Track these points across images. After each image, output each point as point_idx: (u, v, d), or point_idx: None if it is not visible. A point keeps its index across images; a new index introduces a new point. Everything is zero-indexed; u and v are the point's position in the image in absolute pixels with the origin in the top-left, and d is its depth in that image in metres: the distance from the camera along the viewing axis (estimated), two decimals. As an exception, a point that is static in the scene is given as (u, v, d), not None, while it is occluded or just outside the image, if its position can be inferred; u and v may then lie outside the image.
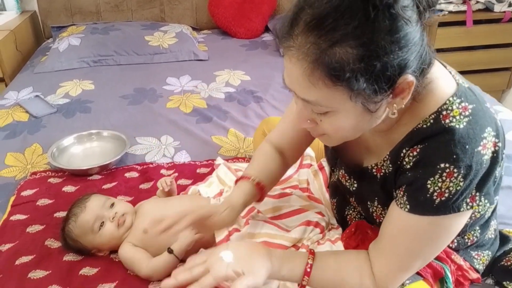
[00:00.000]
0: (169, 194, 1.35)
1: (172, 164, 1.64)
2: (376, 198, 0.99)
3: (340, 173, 1.09)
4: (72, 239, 1.21)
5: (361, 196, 1.06)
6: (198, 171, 1.59)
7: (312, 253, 0.93)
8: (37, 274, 1.17)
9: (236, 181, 1.12)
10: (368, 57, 0.68)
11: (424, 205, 0.82)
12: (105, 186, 1.52)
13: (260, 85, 2.26)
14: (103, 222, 1.19)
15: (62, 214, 1.38)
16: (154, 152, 1.73)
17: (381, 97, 0.73)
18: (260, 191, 1.09)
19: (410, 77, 0.73)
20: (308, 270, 0.90)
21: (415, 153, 0.83)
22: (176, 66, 2.49)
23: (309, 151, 1.44)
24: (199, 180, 1.50)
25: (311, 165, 1.43)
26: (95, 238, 1.19)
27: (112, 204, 1.23)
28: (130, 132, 1.82)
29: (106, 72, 2.41)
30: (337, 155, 1.11)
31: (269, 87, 2.23)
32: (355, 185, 1.05)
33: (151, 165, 1.64)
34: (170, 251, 1.10)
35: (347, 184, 1.07)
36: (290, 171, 1.42)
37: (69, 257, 1.23)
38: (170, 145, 1.77)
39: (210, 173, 1.53)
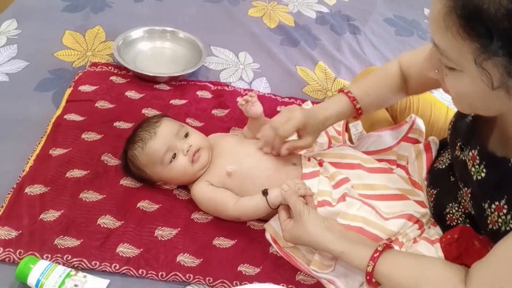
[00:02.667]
0: (254, 122, 1.11)
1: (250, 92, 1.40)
2: (504, 198, 0.77)
3: (471, 153, 0.85)
4: (137, 167, 1.03)
5: (483, 190, 0.83)
6: (278, 109, 1.36)
7: (388, 245, 0.85)
8: (90, 196, 1.02)
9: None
10: None
11: None
12: (173, 101, 1.31)
13: (359, 12, 1.91)
14: (175, 154, 1.01)
15: (122, 125, 1.20)
16: (231, 71, 1.49)
17: None
18: (355, 112, 1.05)
19: None
20: (376, 255, 0.82)
21: None
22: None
23: (420, 123, 1.18)
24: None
25: (416, 141, 1.18)
26: (164, 170, 1.02)
27: (187, 134, 1.04)
28: (205, 36, 1.56)
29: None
30: (475, 132, 0.87)
31: (369, 17, 1.89)
32: (483, 174, 0.82)
33: (226, 88, 1.40)
34: (265, 192, 0.96)
35: (473, 169, 0.84)
36: (390, 141, 1.18)
37: (127, 182, 1.07)
38: (248, 67, 1.52)
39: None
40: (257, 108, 1.07)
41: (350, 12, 1.90)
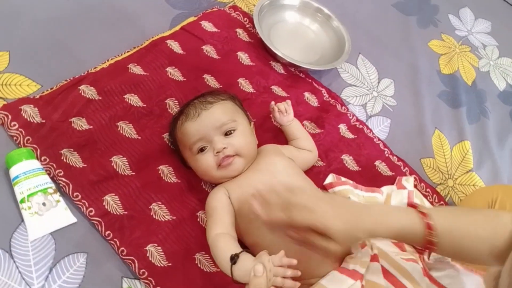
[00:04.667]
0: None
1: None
2: None
3: None
4: (173, 138, 0.92)
5: None
6: (376, 162, 1.10)
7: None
8: (126, 129, 0.93)
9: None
10: None
11: None
12: (275, 88, 1.14)
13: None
14: (205, 147, 0.86)
15: (209, 80, 1.09)
16: (359, 91, 1.26)
17: None
18: (423, 243, 0.66)
19: None
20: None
21: None
22: None
23: None
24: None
25: None
26: (190, 157, 0.89)
27: (230, 132, 0.87)
28: (360, 39, 1.34)
29: None
30: None
31: None
32: None
33: (338, 107, 1.18)
34: (233, 258, 0.69)
35: None
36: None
37: (167, 137, 0.96)
38: (383, 98, 1.27)
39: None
40: (288, 118, 0.99)
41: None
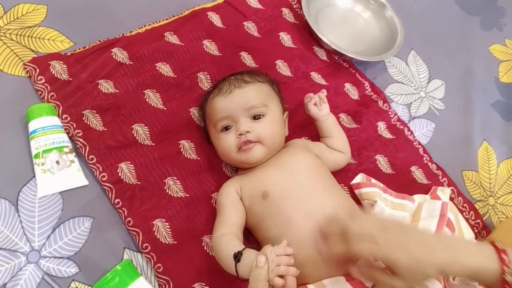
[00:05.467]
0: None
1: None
2: None
3: None
4: (203, 111, 0.89)
5: None
6: (412, 168, 1.02)
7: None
8: (153, 98, 0.90)
9: None
10: None
11: None
12: (313, 75, 1.08)
13: None
14: (230, 126, 0.81)
15: (245, 59, 1.03)
16: (405, 89, 1.17)
17: None
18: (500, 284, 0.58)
19: None
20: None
21: None
22: None
23: None
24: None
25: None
26: (213, 135, 0.84)
27: (259, 116, 0.81)
28: (414, 34, 1.24)
29: None
30: None
31: None
32: None
33: (380, 102, 1.10)
34: (237, 256, 0.65)
35: None
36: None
37: (195, 112, 0.92)
38: (430, 100, 1.17)
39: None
40: (323, 112, 0.91)
41: None
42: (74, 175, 0.78)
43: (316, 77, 1.07)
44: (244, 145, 0.79)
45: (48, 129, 0.79)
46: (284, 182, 0.77)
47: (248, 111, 0.80)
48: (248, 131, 0.78)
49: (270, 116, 0.81)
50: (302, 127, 0.98)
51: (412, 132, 1.07)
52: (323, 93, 0.93)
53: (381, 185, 0.94)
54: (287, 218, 0.73)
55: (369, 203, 0.90)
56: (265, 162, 0.82)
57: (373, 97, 1.10)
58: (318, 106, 0.91)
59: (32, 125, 0.79)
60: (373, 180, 0.94)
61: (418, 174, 1.01)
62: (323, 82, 1.07)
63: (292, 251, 0.64)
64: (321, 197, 0.75)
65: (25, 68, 0.86)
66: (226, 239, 0.73)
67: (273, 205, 0.75)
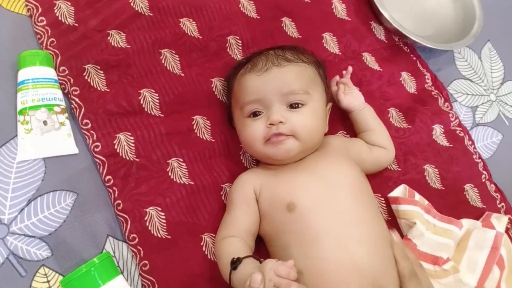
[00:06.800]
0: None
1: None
2: None
3: None
4: (229, 86, 0.73)
5: None
6: (466, 187, 0.85)
7: None
8: (170, 59, 0.76)
9: None
10: None
11: None
12: (366, 57, 0.90)
13: None
14: (260, 112, 0.66)
15: (289, 27, 0.86)
16: (473, 88, 0.98)
17: None
18: None
19: None
20: None
21: None
22: None
23: None
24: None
25: None
26: (238, 118, 0.69)
27: (297, 105, 0.65)
28: (499, 26, 1.02)
29: None
30: None
31: None
32: None
33: (440, 100, 0.91)
34: (234, 263, 0.55)
35: None
36: None
37: (219, 84, 0.78)
38: (501, 105, 0.98)
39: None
40: (349, 99, 0.77)
41: None
42: (62, 140, 0.66)
43: (369, 59, 0.90)
44: (274, 137, 0.63)
45: (39, 82, 0.66)
46: (317, 193, 0.62)
47: (285, 97, 0.64)
48: (281, 122, 0.63)
49: (311, 106, 0.66)
50: (345, 118, 0.81)
51: (473, 142, 0.89)
52: (348, 73, 0.76)
53: (426, 202, 0.78)
54: (314, 239, 0.58)
55: (407, 223, 0.74)
56: (296, 162, 0.67)
57: (433, 93, 0.91)
58: (348, 93, 0.76)
59: (22, 75, 0.66)
60: (417, 196, 0.78)
61: (472, 194, 0.84)
62: (376, 66, 0.89)
63: (296, 276, 0.51)
64: (361, 226, 0.60)
65: (26, 5, 0.73)
66: (231, 241, 0.61)
67: (300, 221, 0.60)
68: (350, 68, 0.81)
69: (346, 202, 0.61)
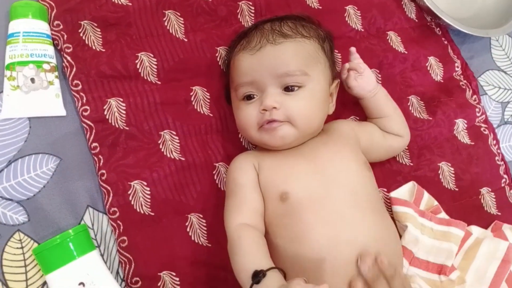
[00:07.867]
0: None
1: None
2: None
3: None
4: (229, 60, 0.67)
5: None
6: (483, 190, 0.78)
7: None
8: (174, 22, 0.70)
9: None
10: None
11: None
12: (391, 35, 0.82)
13: None
14: (254, 95, 0.60)
15: (313, 4, 0.79)
16: (509, 82, 0.88)
17: None
18: None
19: None
20: None
21: None
22: None
23: None
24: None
25: None
26: (233, 100, 0.64)
27: (292, 88, 0.59)
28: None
29: None
30: None
31: None
32: None
33: (468, 91, 0.83)
34: (256, 277, 0.48)
35: None
36: None
37: (223, 52, 0.72)
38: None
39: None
40: (361, 84, 0.68)
41: None
42: (50, 100, 0.62)
43: (394, 39, 0.82)
44: (267, 123, 0.58)
45: (29, 36, 0.62)
46: (314, 187, 0.57)
47: (279, 79, 0.58)
48: (275, 107, 0.57)
49: (310, 88, 0.59)
50: (357, 102, 0.75)
51: (498, 142, 0.82)
52: (353, 54, 0.70)
53: (435, 203, 0.72)
54: (304, 233, 0.54)
55: (400, 226, 0.69)
56: (295, 147, 0.62)
57: (461, 83, 0.83)
58: (357, 76, 0.68)
59: (12, 27, 0.62)
60: (426, 195, 0.72)
61: (488, 199, 0.77)
62: (401, 48, 0.81)
63: None
64: (357, 232, 0.55)
65: (24, -51, 0.67)
66: (250, 237, 0.55)
67: (292, 212, 0.56)
68: (353, 49, 0.72)
69: (342, 205, 0.56)
